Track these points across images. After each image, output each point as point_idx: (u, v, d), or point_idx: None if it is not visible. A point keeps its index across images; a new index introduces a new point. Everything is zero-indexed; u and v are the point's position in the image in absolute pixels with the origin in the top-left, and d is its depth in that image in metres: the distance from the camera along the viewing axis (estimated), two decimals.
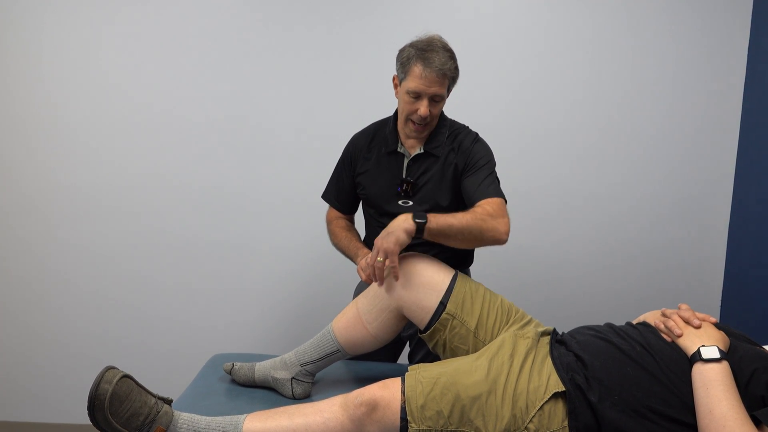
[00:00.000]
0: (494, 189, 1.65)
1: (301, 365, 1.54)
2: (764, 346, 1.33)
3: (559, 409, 1.23)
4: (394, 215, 1.74)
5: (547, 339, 1.42)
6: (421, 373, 1.29)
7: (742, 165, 2.50)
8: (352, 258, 1.80)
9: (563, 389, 1.24)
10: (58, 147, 2.44)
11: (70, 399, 2.54)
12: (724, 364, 1.18)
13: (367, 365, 1.79)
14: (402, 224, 1.46)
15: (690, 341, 1.25)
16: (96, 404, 1.18)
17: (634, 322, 1.46)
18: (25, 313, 2.52)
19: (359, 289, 1.96)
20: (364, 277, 1.63)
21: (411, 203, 1.74)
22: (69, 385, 2.54)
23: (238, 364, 1.62)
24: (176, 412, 1.28)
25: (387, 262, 1.44)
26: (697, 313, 1.33)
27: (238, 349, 2.50)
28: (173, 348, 2.55)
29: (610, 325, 1.41)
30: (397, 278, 1.47)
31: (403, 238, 1.45)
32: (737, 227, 2.51)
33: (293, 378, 1.54)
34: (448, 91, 1.69)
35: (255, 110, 2.45)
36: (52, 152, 2.44)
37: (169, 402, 1.30)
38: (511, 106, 2.47)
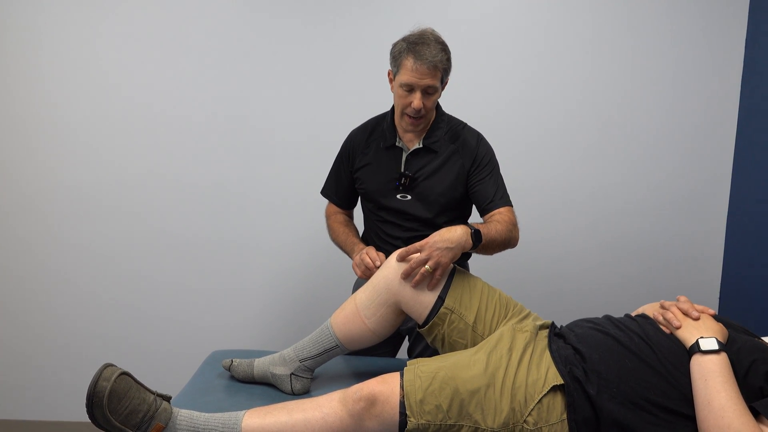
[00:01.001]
0: (507, 197, 1.76)
1: (300, 361, 1.54)
2: (763, 338, 1.33)
3: (558, 402, 1.23)
4: (392, 209, 1.76)
5: (545, 332, 1.41)
6: (420, 368, 1.29)
7: (739, 162, 2.50)
8: (348, 253, 1.81)
9: (562, 382, 1.24)
10: (57, 146, 2.44)
11: (69, 396, 2.54)
12: (723, 356, 1.18)
13: (366, 360, 1.79)
14: (462, 242, 1.47)
15: (689, 333, 1.25)
16: (95, 402, 1.18)
17: (633, 314, 1.46)
18: (24, 311, 2.52)
19: (358, 285, 1.96)
20: (359, 273, 1.65)
21: (409, 197, 1.75)
22: (68, 382, 2.55)
23: (237, 360, 1.62)
24: (175, 409, 1.28)
25: (436, 273, 1.45)
26: (695, 305, 1.33)
27: (237, 345, 2.50)
28: (172, 345, 2.55)
29: (608, 317, 1.41)
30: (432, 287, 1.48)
31: (458, 256, 1.47)
32: (735, 222, 2.52)
33: (292, 374, 1.54)
34: (442, 83, 1.70)
35: (253, 109, 2.44)
36: (51, 152, 2.44)
37: (167, 399, 1.30)
38: (511, 104, 2.47)
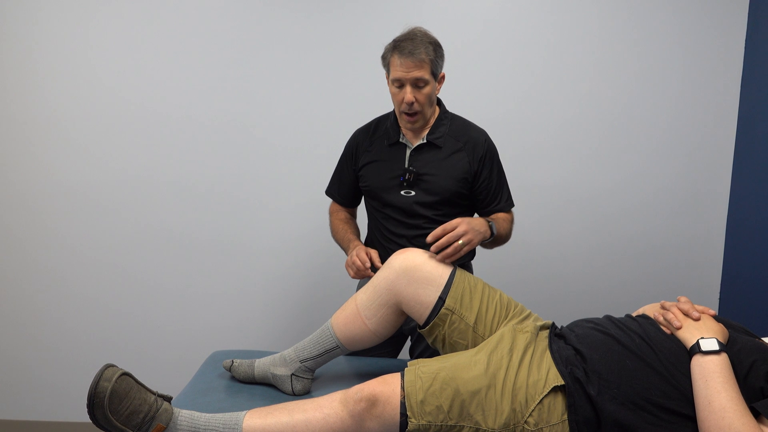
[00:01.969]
0: (511, 199, 1.88)
1: (301, 361, 1.54)
2: (763, 338, 1.33)
3: (559, 402, 1.23)
4: (396, 205, 1.77)
5: (546, 333, 1.42)
6: (421, 369, 1.29)
7: (739, 162, 2.50)
8: (345, 250, 1.83)
9: (562, 383, 1.24)
10: (53, 146, 2.44)
11: (71, 397, 2.54)
12: (723, 356, 1.19)
13: (366, 361, 1.79)
14: (485, 231, 1.62)
15: (689, 333, 1.25)
16: (96, 402, 1.18)
17: (634, 314, 1.46)
18: (24, 312, 2.52)
19: (362, 285, 1.96)
20: (351, 273, 1.65)
21: (413, 193, 1.76)
22: (69, 383, 2.55)
23: (238, 360, 1.62)
24: (176, 410, 1.28)
25: (462, 251, 1.53)
26: (696, 306, 1.33)
27: (238, 346, 2.50)
28: (173, 345, 2.55)
29: (609, 318, 1.41)
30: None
31: (481, 241, 1.61)
32: (735, 220, 2.52)
33: (293, 374, 1.54)
34: (434, 77, 1.71)
35: (255, 109, 2.44)
36: (49, 152, 2.44)
37: (168, 399, 1.30)
38: (513, 106, 2.47)
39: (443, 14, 2.41)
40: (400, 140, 1.80)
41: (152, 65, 2.41)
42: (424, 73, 1.66)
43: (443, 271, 1.50)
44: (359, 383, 1.29)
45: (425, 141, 1.77)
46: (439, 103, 1.85)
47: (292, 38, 2.41)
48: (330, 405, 1.27)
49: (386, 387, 1.25)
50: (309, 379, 1.56)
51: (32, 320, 2.53)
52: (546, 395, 1.23)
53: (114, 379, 1.20)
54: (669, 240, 2.56)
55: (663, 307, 1.37)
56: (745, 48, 2.45)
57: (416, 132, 1.79)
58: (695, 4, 2.44)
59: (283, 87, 2.44)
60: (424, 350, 1.85)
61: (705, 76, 2.48)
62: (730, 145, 2.52)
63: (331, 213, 1.98)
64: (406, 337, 1.96)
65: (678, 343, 1.26)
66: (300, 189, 2.46)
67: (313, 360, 1.55)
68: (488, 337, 1.43)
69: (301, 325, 2.53)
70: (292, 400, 1.42)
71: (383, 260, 1.61)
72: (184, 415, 1.27)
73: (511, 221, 1.84)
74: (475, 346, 1.42)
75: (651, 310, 1.43)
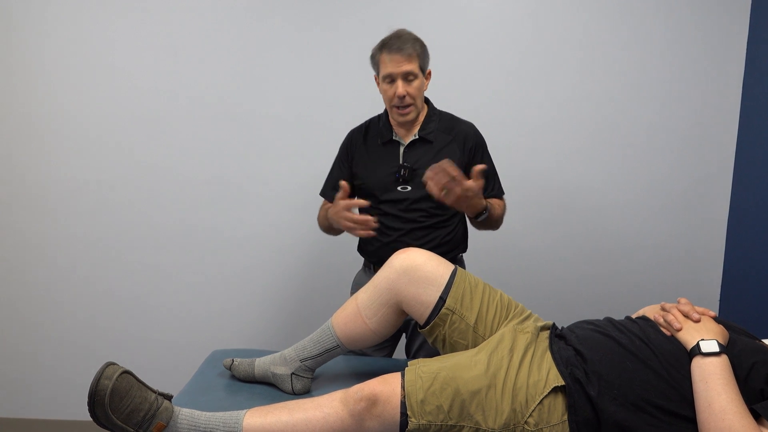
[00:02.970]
0: (501, 187, 1.93)
1: (301, 360, 1.54)
2: (763, 340, 1.34)
3: (559, 403, 1.23)
4: (393, 201, 1.79)
5: (546, 333, 1.42)
6: (421, 368, 1.29)
7: (741, 159, 2.50)
8: (332, 223, 1.80)
9: (563, 383, 1.24)
10: (59, 141, 2.44)
11: (71, 395, 2.55)
12: (724, 358, 1.19)
13: (367, 360, 1.79)
14: (478, 204, 1.67)
15: (689, 335, 1.25)
16: (96, 400, 1.18)
17: (634, 316, 1.46)
18: (25, 309, 2.52)
19: (356, 285, 1.98)
20: (361, 232, 1.67)
21: (409, 188, 1.81)
22: (69, 381, 2.55)
23: (238, 359, 1.62)
24: (176, 408, 1.28)
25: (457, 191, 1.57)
26: (696, 307, 1.33)
27: (238, 344, 2.50)
28: (173, 344, 2.56)
29: (609, 320, 1.41)
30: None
31: (472, 207, 1.67)
32: (736, 221, 2.52)
33: (293, 373, 1.54)
34: (423, 70, 1.79)
35: (260, 108, 2.44)
36: (53, 146, 2.44)
37: (169, 398, 1.30)
38: (511, 100, 2.47)
39: (436, 15, 2.41)
40: (393, 138, 1.86)
41: (159, 64, 2.41)
42: (414, 67, 1.75)
43: (444, 271, 1.50)
44: (359, 383, 1.29)
45: (417, 137, 1.84)
46: (427, 101, 1.92)
47: (296, 39, 2.41)
48: (330, 404, 1.27)
49: (386, 386, 1.25)
50: (309, 378, 1.56)
51: (32, 318, 2.53)
52: (546, 396, 1.23)
53: (115, 377, 1.20)
54: (669, 241, 2.56)
55: (663, 309, 1.38)
56: (747, 46, 2.45)
57: (408, 129, 1.86)
58: (697, 2, 2.43)
59: (288, 85, 2.44)
60: (420, 347, 1.86)
61: (706, 69, 2.47)
62: (731, 146, 2.52)
63: (320, 209, 1.98)
64: (401, 334, 1.97)
65: (678, 344, 1.26)
66: (301, 189, 2.46)
67: (313, 359, 1.55)
68: (489, 337, 1.43)
69: (302, 324, 2.54)
70: (292, 399, 1.42)
71: (381, 256, 1.62)
72: (184, 414, 1.27)
73: (504, 207, 1.91)
74: (475, 347, 1.42)
75: (651, 311, 1.43)
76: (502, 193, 1.94)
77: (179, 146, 2.46)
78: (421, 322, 1.49)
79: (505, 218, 1.92)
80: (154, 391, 1.27)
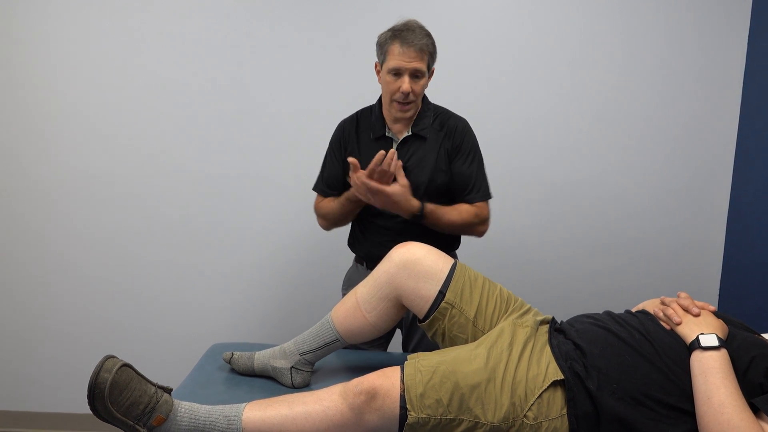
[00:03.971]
0: (485, 190, 1.82)
1: (301, 354, 1.55)
2: (763, 335, 1.34)
3: (558, 397, 1.23)
4: None
5: (545, 327, 1.42)
6: (421, 362, 1.29)
7: (741, 153, 2.49)
8: (345, 201, 1.79)
9: (562, 377, 1.24)
10: (60, 133, 2.44)
11: (71, 388, 2.55)
12: (723, 352, 1.19)
13: (366, 354, 1.79)
14: (407, 207, 1.66)
15: (689, 329, 1.26)
16: (96, 393, 1.18)
17: (633, 310, 1.46)
18: (25, 302, 2.53)
19: (348, 278, 1.98)
20: (373, 183, 1.62)
21: None
22: (69, 374, 2.56)
23: (238, 353, 1.62)
24: (176, 401, 1.28)
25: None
26: (696, 302, 1.33)
27: (238, 338, 2.51)
28: (173, 337, 2.56)
29: (608, 313, 1.41)
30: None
31: (405, 207, 1.66)
32: (736, 215, 2.51)
33: (292, 367, 1.54)
34: (429, 69, 1.74)
35: (260, 102, 2.44)
36: (55, 139, 2.44)
37: (168, 391, 1.30)
38: (509, 95, 2.47)
39: (430, 10, 2.40)
40: (386, 134, 1.81)
41: (161, 59, 2.40)
42: (423, 65, 1.70)
43: (443, 265, 1.49)
44: (359, 376, 1.29)
45: (411, 133, 1.80)
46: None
47: (296, 39, 2.41)
48: (330, 398, 1.27)
49: (386, 380, 1.26)
50: (308, 371, 1.56)
51: (33, 311, 2.53)
52: (545, 389, 1.23)
53: (114, 370, 1.20)
54: (669, 235, 2.56)
55: (663, 303, 1.38)
56: (749, 37, 2.44)
57: (402, 124, 1.80)
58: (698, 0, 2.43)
59: (291, 82, 2.43)
60: (418, 343, 1.86)
61: (707, 67, 2.46)
62: (731, 141, 2.51)
63: (316, 207, 1.94)
64: (395, 329, 1.97)
65: (677, 338, 1.26)
66: (300, 184, 2.44)
67: (313, 353, 1.55)
68: (488, 331, 1.43)
69: (301, 318, 2.54)
70: (292, 392, 1.43)
71: (371, 253, 1.60)
72: (184, 407, 1.27)
73: (474, 215, 1.77)
74: (474, 340, 1.42)
75: (651, 305, 1.43)
76: (487, 197, 1.82)
77: (181, 141, 2.45)
78: (421, 316, 1.49)
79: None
80: (153, 384, 1.27)
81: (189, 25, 2.39)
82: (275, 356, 1.57)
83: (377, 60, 1.78)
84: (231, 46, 2.41)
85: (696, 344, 1.21)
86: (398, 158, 1.75)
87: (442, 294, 1.46)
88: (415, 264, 1.48)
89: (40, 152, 2.44)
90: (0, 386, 2.57)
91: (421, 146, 1.80)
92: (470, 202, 1.80)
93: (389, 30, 1.72)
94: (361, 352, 1.82)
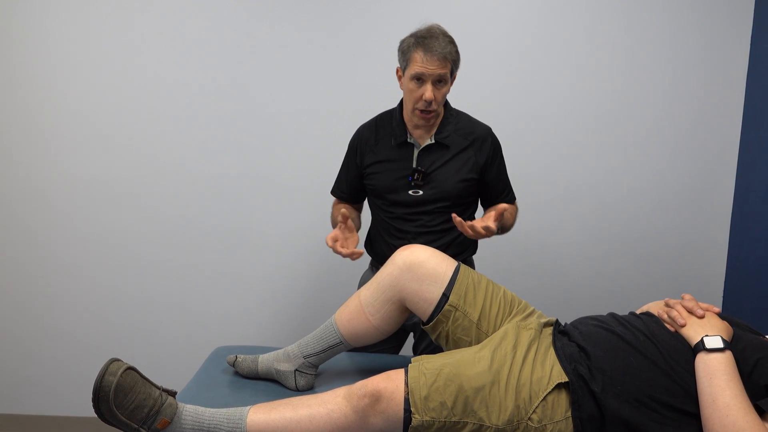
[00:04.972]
0: (513, 193, 1.92)
1: (305, 357, 1.54)
2: (767, 336, 1.33)
3: (563, 399, 1.23)
4: (404, 204, 1.77)
5: (549, 330, 1.42)
6: (425, 365, 1.29)
7: (744, 152, 2.49)
8: (336, 216, 1.83)
9: (566, 380, 1.24)
10: (60, 133, 2.44)
11: (75, 392, 2.55)
12: (728, 354, 1.19)
13: (370, 357, 1.79)
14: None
15: (693, 331, 1.25)
16: (101, 396, 1.18)
17: (638, 312, 1.46)
18: (29, 305, 2.53)
19: (364, 281, 1.97)
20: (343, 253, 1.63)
21: (421, 192, 1.77)
22: (73, 377, 2.56)
23: (242, 356, 1.62)
24: (180, 404, 1.28)
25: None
26: (700, 303, 1.33)
27: (242, 341, 2.51)
28: (177, 340, 2.56)
29: (613, 315, 1.41)
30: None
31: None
32: (740, 216, 2.51)
33: (296, 370, 1.54)
34: (452, 76, 1.72)
35: (266, 103, 2.44)
36: (55, 139, 2.44)
37: (173, 394, 1.30)
38: (509, 93, 2.46)
39: (437, 11, 2.40)
40: (408, 140, 1.79)
41: (163, 60, 2.41)
42: (446, 73, 1.68)
43: (447, 268, 1.49)
44: (363, 379, 1.29)
45: (433, 141, 1.77)
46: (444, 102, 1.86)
47: (298, 34, 2.41)
48: (334, 400, 1.27)
49: (390, 383, 1.26)
50: (312, 374, 1.56)
51: (37, 314, 2.53)
52: (550, 392, 1.23)
53: (119, 373, 1.20)
54: (673, 237, 2.56)
55: (667, 305, 1.37)
56: (752, 36, 2.43)
57: (424, 131, 1.79)
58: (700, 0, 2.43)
59: (296, 83, 2.43)
60: (428, 346, 1.85)
61: (710, 66, 2.45)
62: (735, 141, 2.51)
63: (332, 206, 1.97)
64: (408, 332, 1.96)
65: (682, 340, 1.26)
66: (307, 186, 2.46)
67: (317, 356, 1.55)
68: (492, 333, 1.43)
69: (305, 321, 2.54)
70: (296, 395, 1.43)
71: (386, 257, 1.60)
72: (188, 410, 1.27)
73: (515, 213, 1.90)
74: (478, 343, 1.42)
75: (655, 307, 1.42)
76: (514, 199, 1.91)
77: (181, 141, 2.45)
78: (425, 318, 1.49)
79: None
80: (158, 388, 1.27)
81: (189, 25, 2.40)
82: (279, 359, 1.57)
83: (399, 65, 1.75)
84: (231, 46, 2.41)
85: (701, 346, 1.21)
86: (419, 165, 1.77)
87: (445, 296, 1.46)
88: (418, 267, 1.48)
89: (40, 152, 2.44)
90: (1, 389, 2.57)
91: (444, 153, 1.77)
92: (508, 203, 1.86)
93: (411, 36, 1.69)
94: (365, 354, 1.82)
